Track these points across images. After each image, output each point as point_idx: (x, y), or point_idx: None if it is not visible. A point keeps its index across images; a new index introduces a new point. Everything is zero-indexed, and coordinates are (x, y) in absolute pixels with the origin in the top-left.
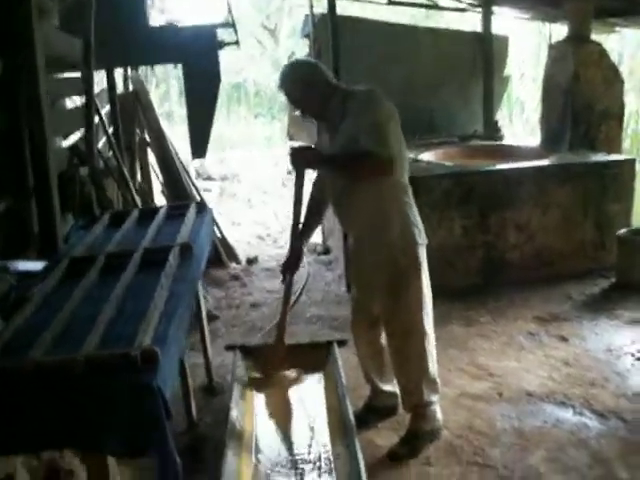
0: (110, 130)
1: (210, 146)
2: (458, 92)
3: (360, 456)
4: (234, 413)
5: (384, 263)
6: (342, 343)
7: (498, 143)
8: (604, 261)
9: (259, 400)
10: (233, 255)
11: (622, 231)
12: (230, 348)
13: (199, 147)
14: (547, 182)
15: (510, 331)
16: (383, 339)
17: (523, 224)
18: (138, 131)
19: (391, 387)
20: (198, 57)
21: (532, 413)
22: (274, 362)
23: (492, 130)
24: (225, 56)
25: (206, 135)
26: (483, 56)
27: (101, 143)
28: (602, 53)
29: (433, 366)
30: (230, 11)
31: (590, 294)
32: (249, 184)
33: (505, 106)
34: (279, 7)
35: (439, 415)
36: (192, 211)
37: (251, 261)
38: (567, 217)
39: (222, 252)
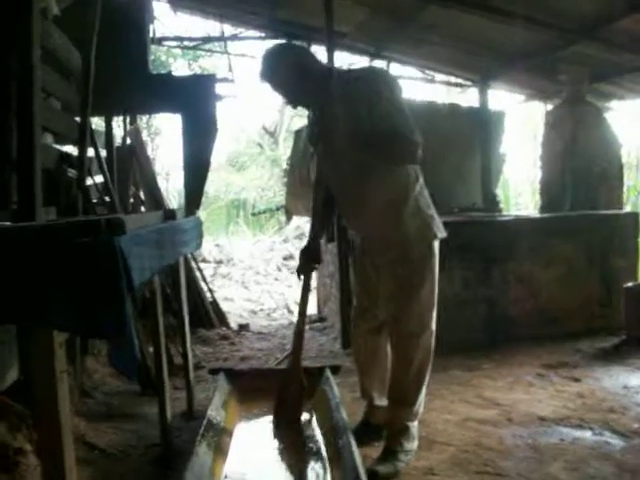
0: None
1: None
2: (455, 166)
3: (357, 453)
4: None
5: (398, 260)
6: (335, 369)
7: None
8: (611, 319)
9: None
10: (224, 320)
11: (629, 284)
12: (214, 372)
13: (193, 200)
14: (550, 235)
15: (517, 373)
16: (384, 346)
17: (526, 278)
18: (133, 187)
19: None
20: (196, 106)
21: (546, 433)
22: (288, 385)
23: (491, 203)
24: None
25: (200, 188)
26: (480, 131)
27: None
28: (599, 114)
29: (427, 379)
30: (230, 68)
31: (600, 347)
32: (244, 267)
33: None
34: (280, 110)
35: (416, 434)
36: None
37: (242, 327)
38: (572, 272)
39: (212, 315)
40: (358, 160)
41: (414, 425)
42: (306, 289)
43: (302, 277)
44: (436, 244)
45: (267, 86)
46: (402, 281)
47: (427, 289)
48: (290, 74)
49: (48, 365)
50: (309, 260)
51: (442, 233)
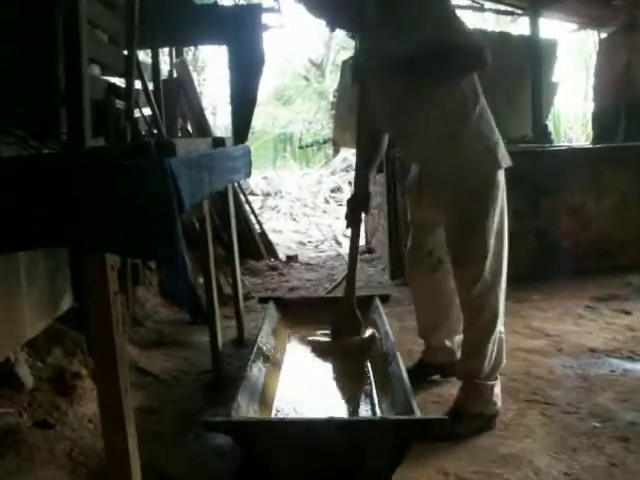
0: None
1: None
2: (505, 97)
3: (406, 379)
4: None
5: (458, 190)
6: (385, 298)
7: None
8: None
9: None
10: (272, 251)
11: None
12: (263, 300)
13: (241, 132)
14: (603, 166)
15: (566, 305)
16: (443, 284)
17: (578, 210)
18: (180, 120)
19: (446, 342)
20: (243, 37)
21: (596, 364)
22: (343, 318)
23: (541, 134)
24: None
25: (248, 119)
26: (531, 60)
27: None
28: None
29: (501, 333)
30: None
31: None
32: (292, 199)
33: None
34: (326, 43)
35: (496, 399)
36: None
37: (291, 258)
38: (624, 204)
39: (261, 246)
40: (408, 82)
41: (487, 385)
42: (355, 239)
43: (350, 227)
44: (501, 174)
45: (302, 9)
46: (463, 215)
47: (491, 225)
48: None
49: (102, 287)
50: (356, 209)
51: (507, 162)
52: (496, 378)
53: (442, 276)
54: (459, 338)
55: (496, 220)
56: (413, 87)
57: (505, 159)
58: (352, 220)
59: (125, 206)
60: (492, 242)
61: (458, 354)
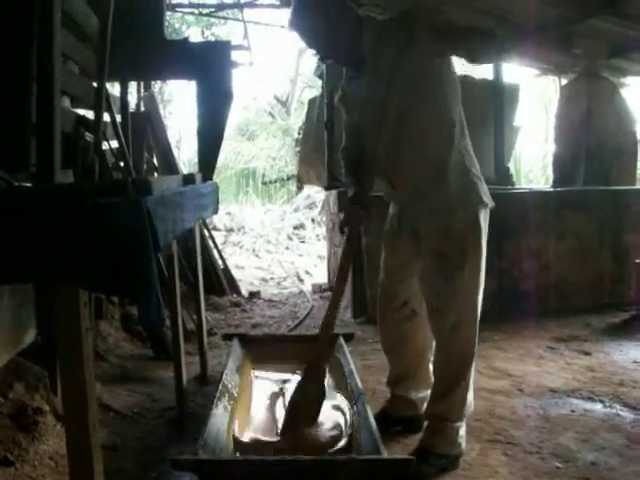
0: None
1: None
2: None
3: (372, 419)
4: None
5: (437, 231)
6: (349, 337)
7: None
8: (622, 295)
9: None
10: (235, 287)
11: None
12: (227, 337)
13: (207, 168)
14: (563, 210)
15: (527, 345)
16: (416, 334)
17: (539, 252)
18: (146, 154)
19: (411, 394)
20: (212, 73)
21: (557, 404)
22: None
23: (504, 177)
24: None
25: (215, 155)
26: (494, 104)
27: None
28: (614, 89)
29: (471, 375)
30: (246, 35)
31: (610, 323)
32: (254, 236)
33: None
34: (292, 79)
35: (461, 440)
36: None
37: (253, 294)
38: (583, 248)
39: (224, 282)
40: (395, 112)
41: (454, 427)
42: (349, 248)
43: (349, 230)
44: (483, 214)
45: (296, 36)
46: (441, 261)
47: (469, 271)
48: (321, 25)
49: (74, 324)
50: (357, 209)
51: (490, 201)
52: (462, 420)
53: (415, 326)
54: (425, 394)
55: (474, 266)
56: (399, 117)
57: (487, 197)
58: (355, 221)
59: (101, 245)
60: (470, 289)
61: (422, 409)
